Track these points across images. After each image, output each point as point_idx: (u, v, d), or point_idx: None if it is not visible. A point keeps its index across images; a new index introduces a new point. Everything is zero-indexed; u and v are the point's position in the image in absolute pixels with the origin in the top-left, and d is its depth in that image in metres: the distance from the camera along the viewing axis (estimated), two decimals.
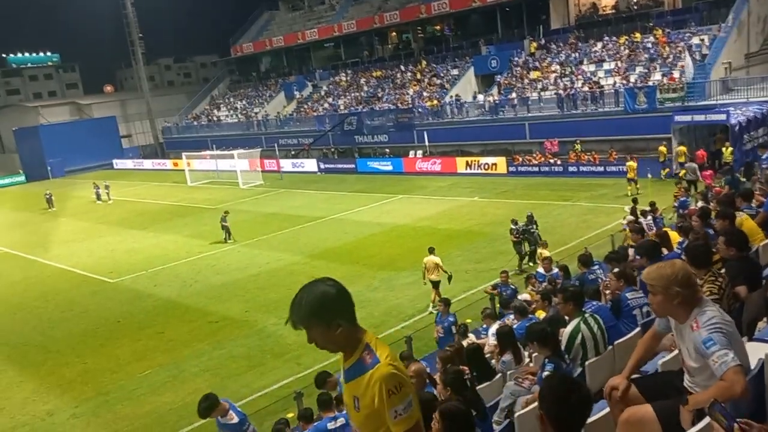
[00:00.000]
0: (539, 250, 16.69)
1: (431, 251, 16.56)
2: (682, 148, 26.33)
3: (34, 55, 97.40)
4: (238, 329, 15.78)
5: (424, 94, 44.38)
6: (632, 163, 26.05)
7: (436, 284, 16.20)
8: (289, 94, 56.86)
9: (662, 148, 27.27)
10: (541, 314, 9.83)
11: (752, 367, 3.52)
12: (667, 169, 26.88)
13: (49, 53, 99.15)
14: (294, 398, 9.97)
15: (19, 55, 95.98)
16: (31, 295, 21.71)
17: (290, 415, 9.69)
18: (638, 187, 24.77)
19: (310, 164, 45.00)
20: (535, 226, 18.64)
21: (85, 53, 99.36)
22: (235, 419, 6.92)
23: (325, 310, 2.56)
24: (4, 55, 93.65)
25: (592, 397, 3.04)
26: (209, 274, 21.63)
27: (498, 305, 12.50)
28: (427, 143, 39.87)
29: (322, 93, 54.13)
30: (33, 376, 14.79)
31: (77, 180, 54.87)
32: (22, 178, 61.57)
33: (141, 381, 13.81)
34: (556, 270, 13.59)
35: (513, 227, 18.35)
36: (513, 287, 13.38)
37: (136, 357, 15.16)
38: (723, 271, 5.41)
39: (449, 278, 16.16)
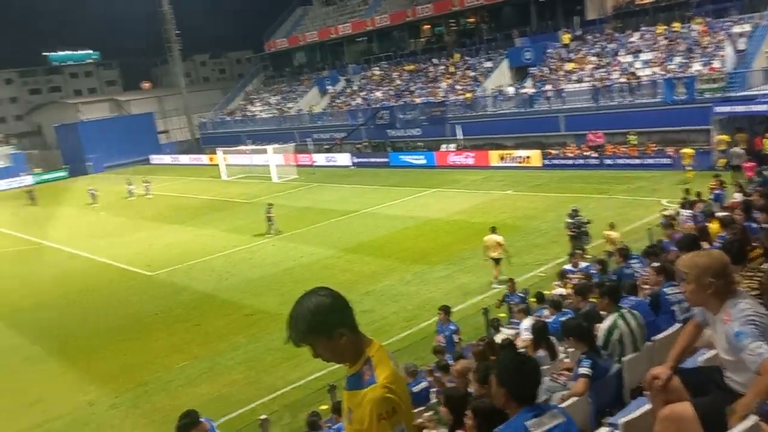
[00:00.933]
0: (606, 231, 16.01)
1: (493, 230, 16.98)
2: (744, 135, 25.51)
3: (74, 52, 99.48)
4: (273, 322, 15.93)
5: (457, 87, 44.11)
6: (688, 150, 25.34)
7: (497, 261, 16.71)
8: (322, 88, 57.11)
9: (724, 137, 26.32)
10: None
11: None
12: (725, 159, 25.44)
13: (89, 51, 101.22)
14: (328, 391, 10.04)
15: (61, 53, 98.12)
16: (73, 288, 22.26)
17: (324, 407, 9.77)
18: (688, 176, 24.06)
19: (343, 158, 45.14)
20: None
21: (124, 51, 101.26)
22: None
23: (324, 322, 2.48)
24: (46, 53, 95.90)
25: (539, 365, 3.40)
26: (244, 268, 21.90)
27: (533, 299, 12.35)
28: (460, 136, 39.63)
29: (355, 87, 54.21)
30: (75, 367, 15.19)
31: (115, 175, 56.01)
32: (65, 173, 63.08)
33: (178, 373, 14.06)
34: (586, 264, 13.36)
35: (569, 221, 17.57)
36: (521, 295, 12.96)
37: (174, 349, 15.44)
38: (766, 265, 5.26)
39: (509, 258, 16.85)
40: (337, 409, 8.41)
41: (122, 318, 18.33)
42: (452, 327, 11.61)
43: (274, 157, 43.02)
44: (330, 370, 12.52)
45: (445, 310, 11.81)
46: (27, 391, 14.08)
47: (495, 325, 11.28)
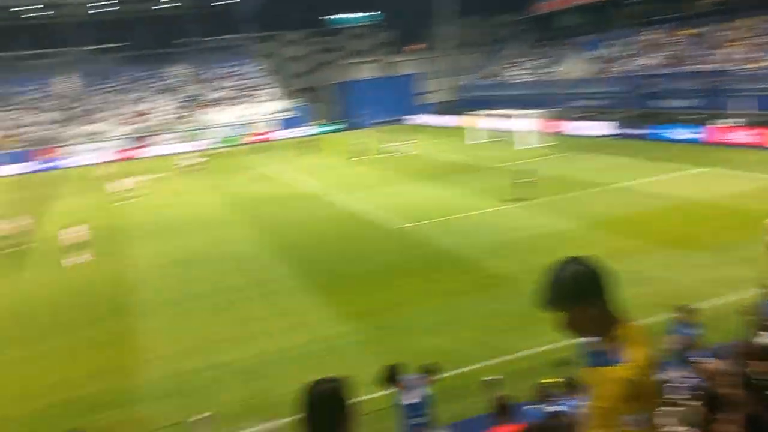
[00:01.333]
0: None
1: None
2: None
3: (351, 15, 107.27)
4: (508, 287, 15.98)
5: (743, 55, 38.73)
6: None
7: None
8: (587, 53, 54.39)
9: None
10: None
11: None
12: None
13: (369, 13, 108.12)
14: (558, 365, 9.84)
15: (339, 15, 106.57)
16: (332, 231, 24.65)
17: (550, 380, 9.62)
18: None
19: (601, 128, 42.77)
20: None
21: (398, 14, 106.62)
22: (415, 399, 6.74)
23: (580, 290, 2.47)
24: (325, 17, 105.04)
25: None
26: (486, 231, 22.21)
27: None
28: (741, 111, 34.96)
29: (623, 53, 50.63)
30: (329, 301, 16.94)
31: (376, 132, 60.09)
32: (344, 126, 69.92)
33: (415, 321, 14.90)
34: None
35: None
36: None
37: (414, 299, 16.36)
38: None
39: None
40: (570, 385, 8.24)
41: (371, 264, 19.88)
42: (692, 330, 10.35)
43: (527, 123, 42.41)
44: (559, 345, 12.26)
45: (687, 310, 10.64)
46: (293, 313, 16.18)
47: (758, 327, 9.98)
